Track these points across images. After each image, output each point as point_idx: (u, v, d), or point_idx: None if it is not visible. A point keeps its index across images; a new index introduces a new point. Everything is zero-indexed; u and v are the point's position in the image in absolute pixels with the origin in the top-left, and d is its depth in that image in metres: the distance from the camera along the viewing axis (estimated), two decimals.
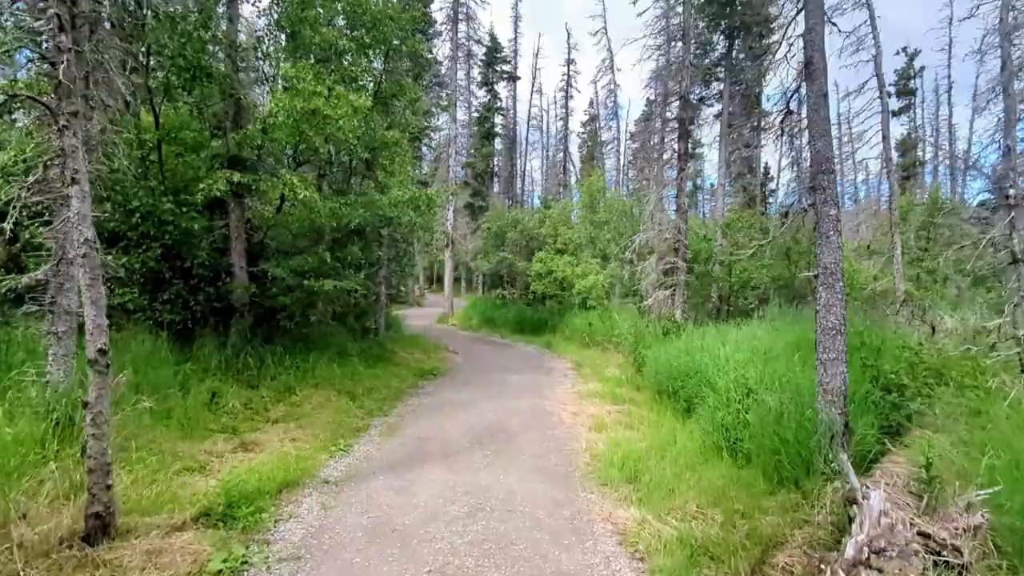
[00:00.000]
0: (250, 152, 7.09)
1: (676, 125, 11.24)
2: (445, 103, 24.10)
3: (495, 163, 26.28)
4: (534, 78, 32.00)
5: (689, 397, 6.52)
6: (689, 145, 11.21)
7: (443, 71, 21.65)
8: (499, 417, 6.86)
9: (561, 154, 31.10)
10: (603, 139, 32.28)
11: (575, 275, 16.87)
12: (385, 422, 6.43)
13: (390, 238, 10.80)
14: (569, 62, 30.02)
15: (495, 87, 26.24)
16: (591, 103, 38.93)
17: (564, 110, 31.09)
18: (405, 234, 10.36)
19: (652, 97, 36.23)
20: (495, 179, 26.28)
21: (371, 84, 8.84)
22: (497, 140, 26.87)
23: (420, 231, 10.02)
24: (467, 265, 35.51)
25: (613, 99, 30.91)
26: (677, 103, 11.24)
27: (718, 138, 16.69)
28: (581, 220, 19.70)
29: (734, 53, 17.44)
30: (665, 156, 12.01)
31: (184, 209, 6.58)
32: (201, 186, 5.94)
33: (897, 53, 33.21)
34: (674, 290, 11.26)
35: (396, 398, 7.65)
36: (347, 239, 8.29)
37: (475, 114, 25.92)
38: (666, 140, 13.65)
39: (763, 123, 25.77)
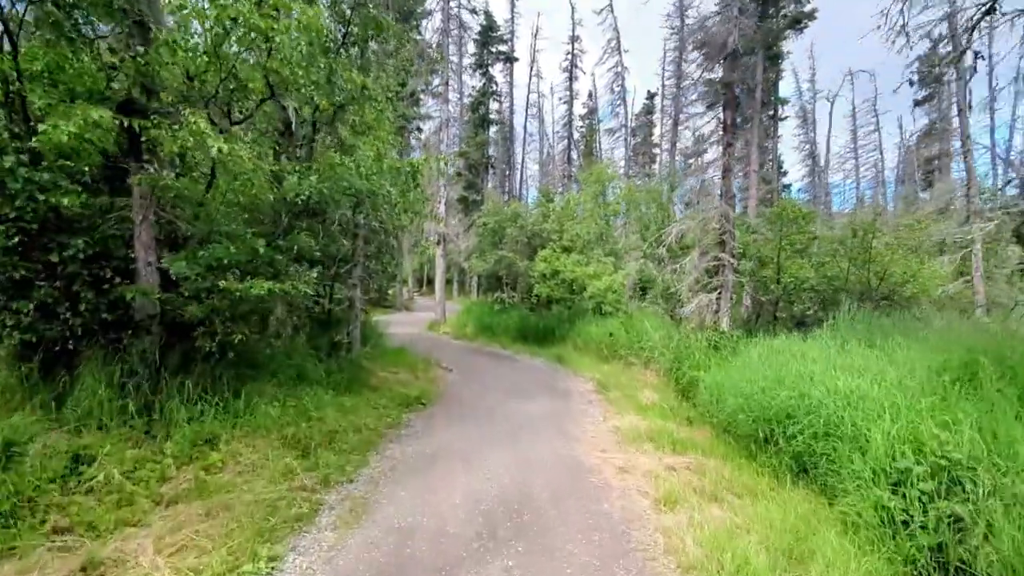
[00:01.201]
0: (160, 99, 4.98)
1: (720, 91, 9.29)
2: (437, 89, 22.11)
3: (490, 153, 24.24)
4: (533, 61, 30.06)
5: (800, 453, 4.49)
6: (737, 117, 9.25)
7: (433, 48, 19.58)
8: (516, 478, 4.81)
9: (564, 142, 29.03)
10: (610, 127, 30.35)
11: (587, 276, 14.88)
12: (347, 496, 4.34)
13: (368, 228, 8.71)
14: (573, 39, 28.03)
15: (490, 69, 24.21)
16: (590, 95, 37.11)
17: (568, 92, 29.08)
18: (387, 222, 8.26)
19: (654, 89, 34.27)
20: (490, 171, 24.25)
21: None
22: (492, 128, 24.80)
23: (403, 215, 7.91)
24: (460, 266, 33.39)
25: (620, 83, 29.06)
26: (721, 63, 9.29)
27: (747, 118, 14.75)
28: (590, 214, 17.73)
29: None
30: (707, 129, 10.03)
31: (52, 179, 4.46)
32: (42, 128, 3.80)
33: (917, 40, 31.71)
34: (719, 293, 9.28)
35: (368, 447, 5.55)
36: (296, 223, 6.16)
37: (468, 99, 23.85)
38: (700, 113, 11.67)
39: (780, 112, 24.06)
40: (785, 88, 32.23)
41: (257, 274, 4.82)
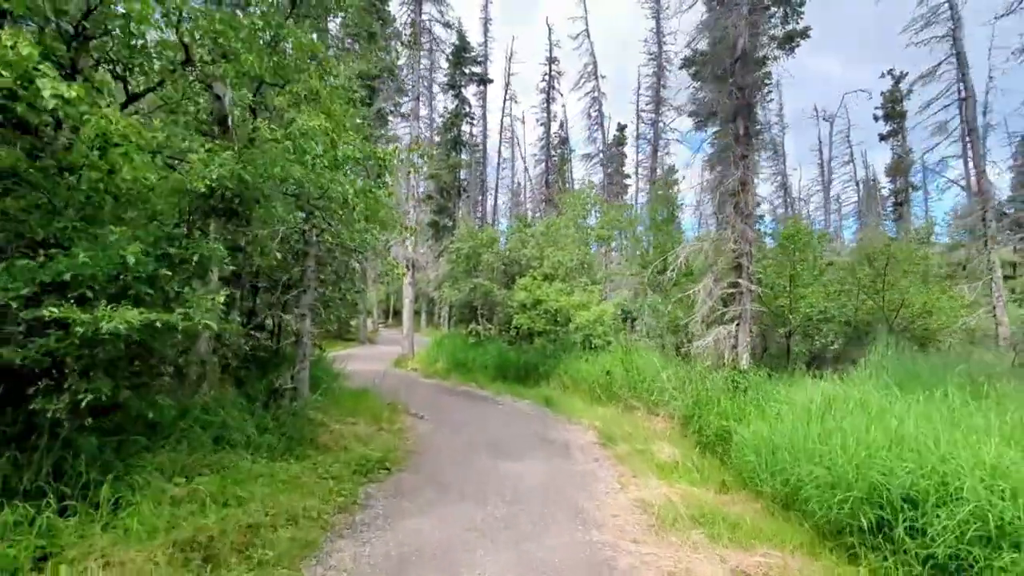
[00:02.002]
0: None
1: (734, 96, 8.29)
2: (405, 108, 20.96)
3: (463, 177, 23.07)
4: (507, 85, 29.44)
5: (944, 562, 3.10)
6: (750, 126, 8.25)
7: (401, 64, 18.48)
8: None
9: (542, 165, 28.17)
10: (588, 152, 29.76)
11: (572, 306, 13.56)
12: None
13: (322, 246, 7.15)
14: (551, 60, 27.56)
15: (463, 91, 23.30)
16: (561, 125, 36.78)
17: (546, 113, 28.44)
18: (345, 237, 6.74)
19: (624, 121, 34.05)
20: (462, 195, 23.04)
21: None
22: (465, 152, 23.74)
23: (367, 228, 6.39)
24: (428, 296, 31.69)
25: (598, 108, 28.60)
26: (732, 67, 8.34)
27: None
28: (572, 239, 16.59)
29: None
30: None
31: None
32: None
33: (883, 76, 32.99)
34: (737, 324, 8.06)
35: (305, 551, 3.88)
36: (204, 224, 4.54)
37: (440, 119, 22.78)
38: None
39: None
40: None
41: (127, 297, 3.21)
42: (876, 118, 33.40)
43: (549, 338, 14.25)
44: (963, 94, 11.47)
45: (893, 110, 32.76)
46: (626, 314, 14.84)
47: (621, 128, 34.90)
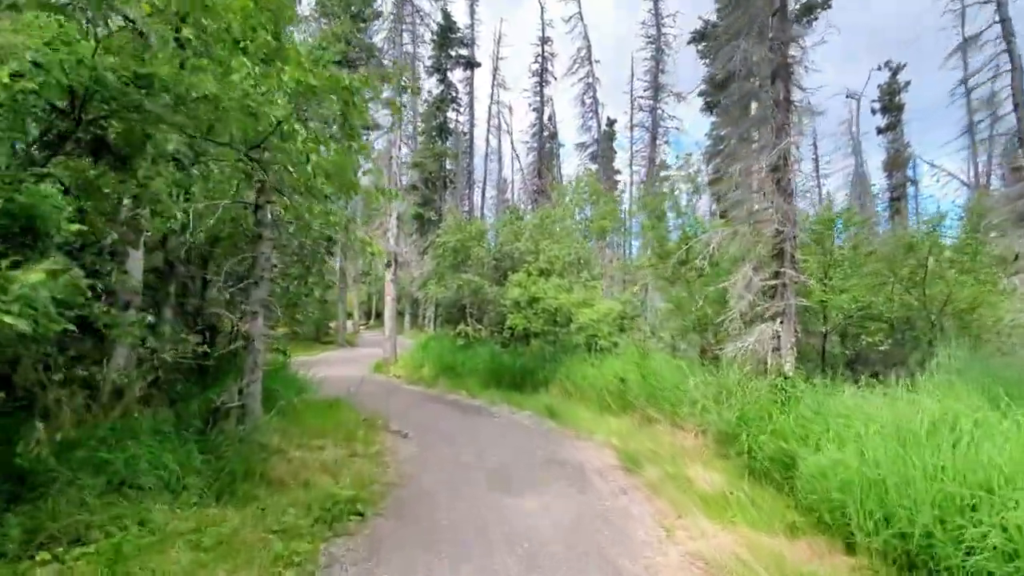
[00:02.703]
0: None
1: (771, 55, 7.09)
2: (386, 94, 19.51)
3: (448, 167, 21.69)
4: (495, 70, 28.05)
5: None
6: (791, 89, 7.07)
7: (381, 42, 17.08)
8: None
9: (535, 153, 26.83)
10: (583, 140, 28.52)
11: (574, 304, 12.31)
12: None
13: (277, 225, 5.79)
14: (543, 40, 26.24)
15: (449, 75, 21.95)
16: (550, 119, 35.50)
17: (539, 98, 27.09)
18: (310, 216, 5.38)
19: (614, 115, 32.66)
20: (449, 187, 21.66)
21: None
22: (451, 140, 22.36)
23: (332, 196, 5.05)
24: (412, 296, 30.22)
25: (592, 95, 27.41)
26: (771, 16, 7.13)
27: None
28: (570, 231, 15.37)
29: None
30: (752, 107, 7.81)
31: None
32: None
33: (879, 68, 32.44)
34: (782, 321, 6.88)
35: None
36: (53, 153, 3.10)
37: (424, 105, 21.38)
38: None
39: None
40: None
41: None
42: (873, 111, 32.89)
43: (547, 340, 12.98)
44: (1011, 64, 10.54)
45: (891, 103, 32.25)
46: (626, 314, 13.65)
47: (611, 123, 33.82)
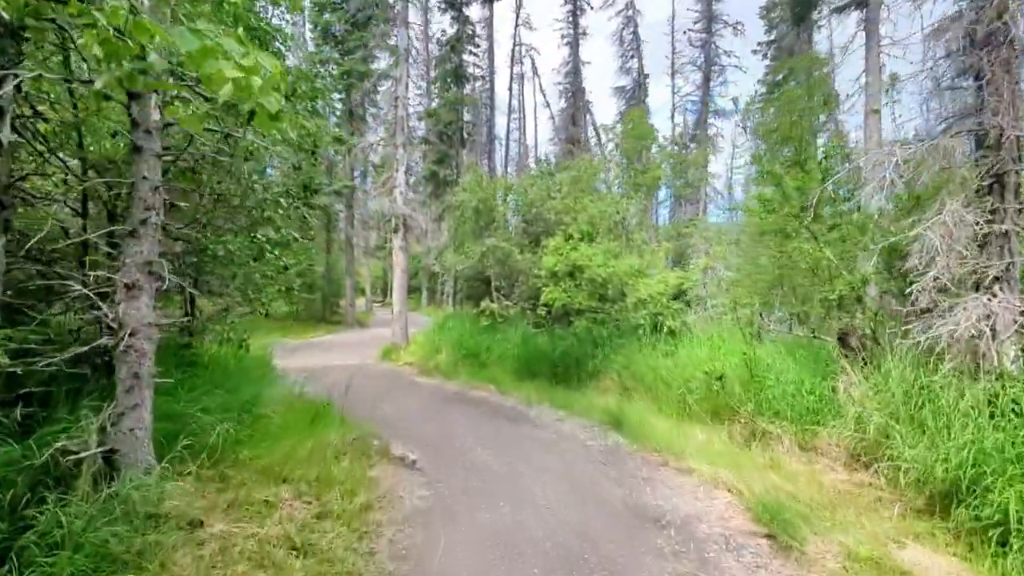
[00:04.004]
0: None
1: None
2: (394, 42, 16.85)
3: (466, 118, 18.98)
4: (519, 7, 24.65)
5: None
6: None
7: None
8: None
9: (569, 97, 23.72)
10: (621, 84, 25.30)
11: (629, 273, 9.81)
12: None
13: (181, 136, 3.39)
14: None
15: (464, 10, 19.05)
16: (577, 72, 31.93)
17: (573, 29, 23.83)
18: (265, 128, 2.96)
19: (664, 55, 28.19)
20: (467, 141, 18.99)
21: None
22: (469, 86, 19.58)
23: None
24: (430, 270, 27.94)
25: (633, 30, 24.07)
26: None
27: None
28: (610, 186, 12.76)
29: None
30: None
31: None
32: None
33: None
34: (1000, 290, 4.31)
35: None
36: None
37: (437, 47, 18.62)
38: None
39: None
40: None
41: None
42: None
43: (594, 318, 10.53)
44: None
45: None
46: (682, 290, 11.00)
47: (642, 75, 30.18)
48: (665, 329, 8.63)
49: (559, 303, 10.59)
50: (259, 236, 5.26)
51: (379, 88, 19.61)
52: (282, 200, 5.39)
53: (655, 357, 8.20)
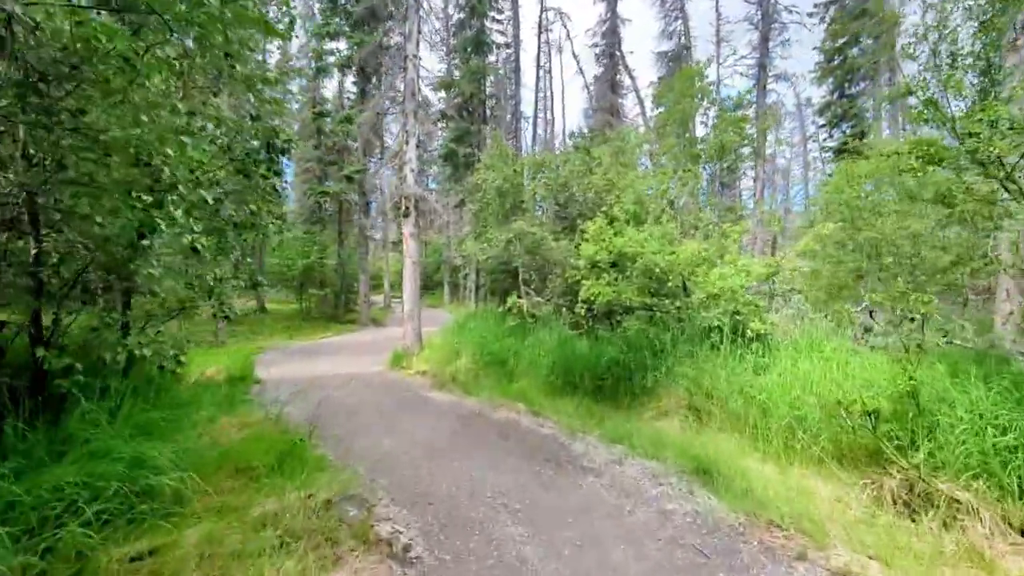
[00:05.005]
0: None
1: None
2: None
3: (488, 89, 17.07)
4: None
5: None
6: None
7: None
8: None
9: (603, 64, 21.51)
10: (663, 49, 22.99)
11: (694, 262, 7.83)
12: None
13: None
14: None
15: None
16: (612, 56, 29.35)
17: None
18: None
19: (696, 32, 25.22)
20: (488, 117, 17.07)
21: None
22: (492, 55, 17.66)
23: None
24: (451, 263, 26.22)
25: None
26: None
27: None
28: (679, 153, 10.72)
29: None
30: None
31: None
32: None
33: None
34: None
35: None
36: None
37: (456, 11, 16.78)
38: None
39: None
40: None
41: None
42: None
43: (649, 318, 8.60)
44: None
45: None
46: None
47: (688, 37, 27.70)
48: (750, 333, 6.63)
49: (604, 299, 8.68)
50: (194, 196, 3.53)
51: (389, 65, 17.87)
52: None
53: (741, 371, 6.24)
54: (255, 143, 5.38)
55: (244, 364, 9.21)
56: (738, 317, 6.96)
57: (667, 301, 8.23)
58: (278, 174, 5.29)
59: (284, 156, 5.30)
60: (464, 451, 5.74)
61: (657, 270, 8.01)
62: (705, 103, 11.19)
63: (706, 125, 11.79)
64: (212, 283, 4.75)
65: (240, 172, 5.54)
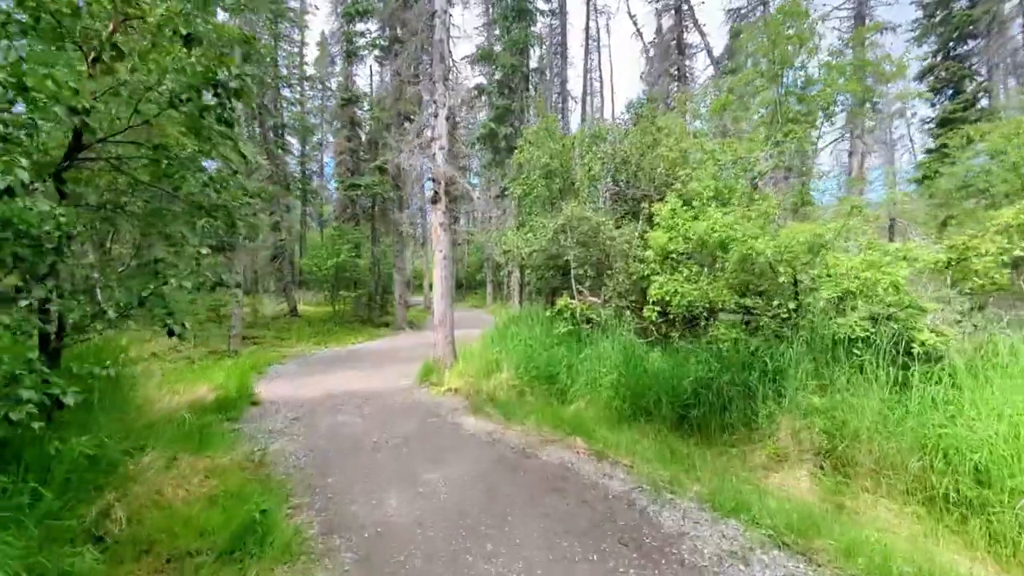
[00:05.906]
0: None
1: None
2: None
3: (531, 63, 15.30)
4: None
5: None
6: None
7: None
8: None
9: (666, 19, 19.24)
10: (735, 5, 20.55)
11: (810, 249, 5.83)
12: None
13: None
14: None
15: None
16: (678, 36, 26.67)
17: None
18: None
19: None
20: (530, 89, 15.23)
21: None
22: (538, 22, 15.88)
23: None
24: (494, 260, 24.64)
25: None
26: None
27: None
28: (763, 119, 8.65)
29: None
30: None
31: None
32: None
33: None
34: None
35: None
36: None
37: None
38: None
39: None
40: None
41: None
42: None
43: (746, 325, 6.62)
44: None
45: None
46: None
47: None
48: (916, 349, 4.59)
49: (684, 300, 6.77)
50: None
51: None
52: None
53: (916, 407, 4.24)
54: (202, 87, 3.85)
55: (242, 381, 7.83)
56: (893, 325, 4.94)
57: (774, 303, 6.23)
58: (230, 124, 3.74)
59: (238, 100, 3.75)
60: (503, 523, 4.02)
61: (762, 259, 6.05)
62: (804, 53, 9.01)
63: (798, 85, 9.60)
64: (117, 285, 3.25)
65: (191, 130, 4.05)
